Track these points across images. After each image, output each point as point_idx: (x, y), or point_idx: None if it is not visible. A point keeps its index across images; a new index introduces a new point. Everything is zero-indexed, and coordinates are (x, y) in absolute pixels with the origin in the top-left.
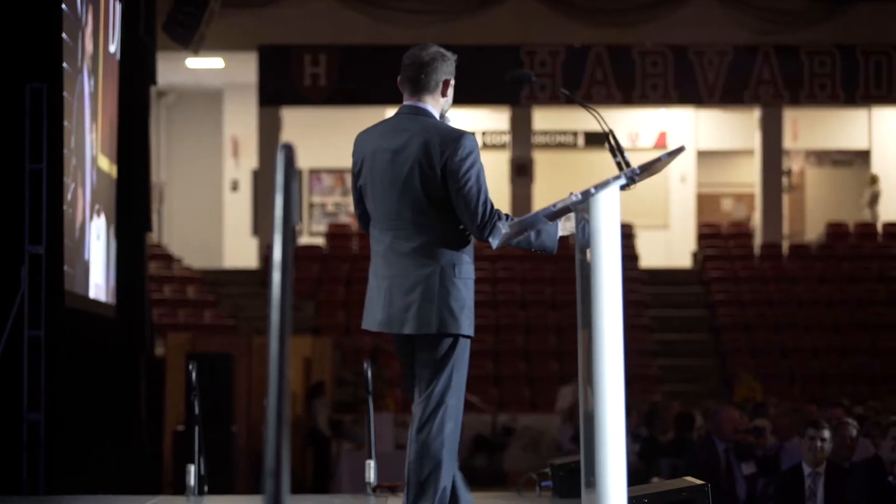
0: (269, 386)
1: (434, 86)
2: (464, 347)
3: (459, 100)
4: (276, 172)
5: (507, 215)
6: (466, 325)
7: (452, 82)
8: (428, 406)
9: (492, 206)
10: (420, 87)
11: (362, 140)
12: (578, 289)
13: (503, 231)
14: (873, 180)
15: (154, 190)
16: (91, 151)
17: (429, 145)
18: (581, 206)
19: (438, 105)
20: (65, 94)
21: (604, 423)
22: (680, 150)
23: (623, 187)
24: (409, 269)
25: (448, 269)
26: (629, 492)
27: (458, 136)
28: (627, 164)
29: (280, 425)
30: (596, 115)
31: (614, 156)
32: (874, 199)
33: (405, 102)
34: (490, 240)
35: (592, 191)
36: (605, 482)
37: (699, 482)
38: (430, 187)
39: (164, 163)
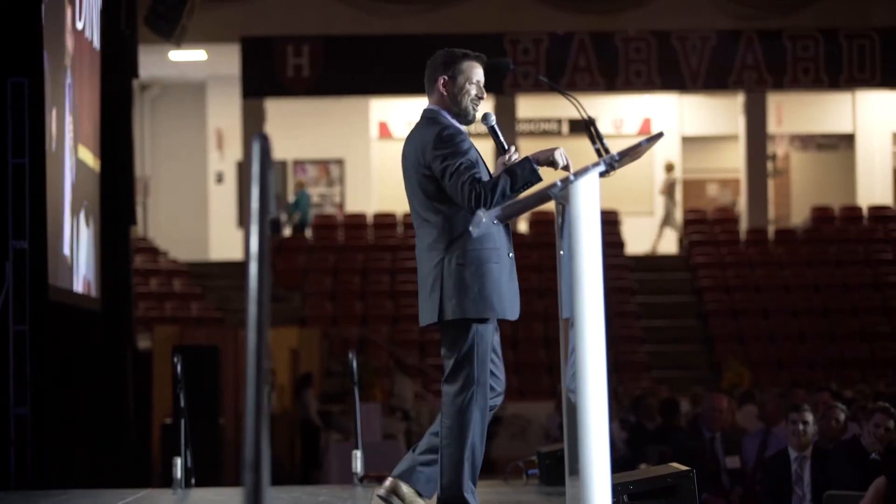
0: (247, 378)
1: (433, 86)
2: (477, 332)
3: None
4: (252, 163)
5: (497, 183)
6: (471, 308)
7: (458, 78)
8: (455, 392)
9: (475, 184)
10: (427, 90)
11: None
12: (559, 276)
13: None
14: (669, 168)
15: (139, 183)
16: (73, 145)
17: (417, 149)
18: (561, 194)
19: (445, 103)
20: (46, 88)
21: (587, 411)
22: (659, 135)
23: (603, 174)
24: (423, 263)
25: (451, 259)
26: (614, 478)
27: (433, 134)
28: (607, 151)
29: (259, 417)
30: (575, 102)
31: (594, 143)
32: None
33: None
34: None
35: (572, 178)
36: (589, 469)
37: (685, 468)
38: (426, 187)
39: (148, 156)
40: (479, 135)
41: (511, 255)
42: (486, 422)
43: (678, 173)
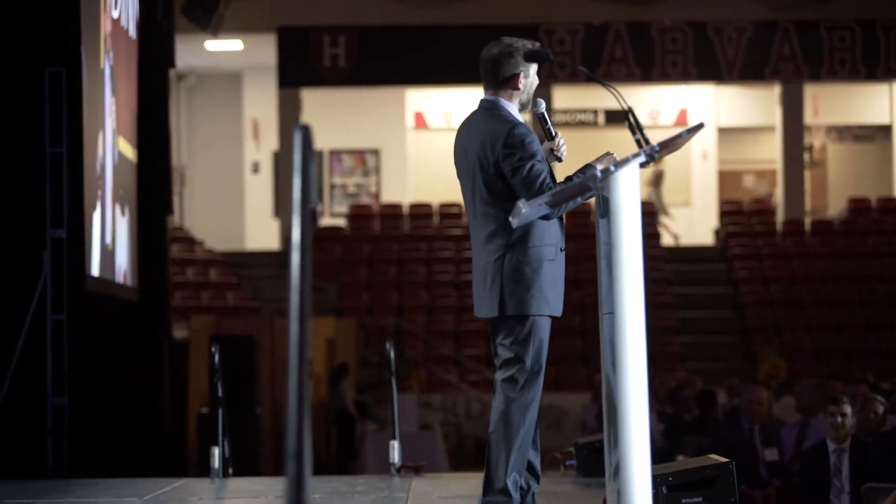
0: (289, 367)
1: (502, 81)
2: (534, 326)
3: (478, 80)
4: (294, 153)
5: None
6: (532, 305)
7: (529, 71)
8: (514, 384)
9: (540, 185)
10: (489, 83)
11: (457, 133)
12: (599, 268)
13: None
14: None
15: (175, 173)
16: (111, 135)
17: (485, 142)
18: (601, 185)
19: (511, 97)
20: (83, 77)
21: (627, 402)
22: (699, 126)
23: (643, 165)
24: (480, 255)
25: (513, 256)
26: (653, 470)
27: (504, 131)
28: (647, 142)
29: (301, 407)
30: (615, 92)
31: (633, 133)
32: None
33: (482, 97)
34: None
35: (612, 169)
36: (628, 461)
37: (724, 460)
38: (489, 181)
39: (184, 146)
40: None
41: (562, 249)
42: (536, 413)
43: (714, 164)
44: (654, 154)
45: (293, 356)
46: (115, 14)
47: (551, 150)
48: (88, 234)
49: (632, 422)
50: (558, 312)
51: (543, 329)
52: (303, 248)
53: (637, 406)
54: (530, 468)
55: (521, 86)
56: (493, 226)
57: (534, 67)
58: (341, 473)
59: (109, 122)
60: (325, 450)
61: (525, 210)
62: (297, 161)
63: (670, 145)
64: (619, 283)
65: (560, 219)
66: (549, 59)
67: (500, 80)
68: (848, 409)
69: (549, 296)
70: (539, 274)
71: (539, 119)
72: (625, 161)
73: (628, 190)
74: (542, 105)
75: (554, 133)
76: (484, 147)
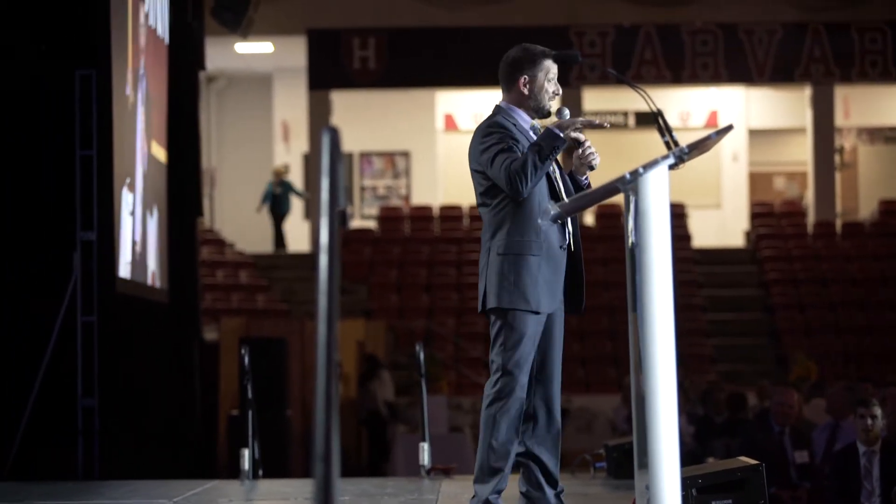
0: (317, 369)
1: (511, 84)
2: (507, 322)
3: None
4: (322, 156)
5: (526, 160)
6: (505, 298)
7: (539, 76)
8: (489, 381)
9: (508, 168)
10: (502, 86)
11: None
12: (629, 269)
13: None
14: None
15: (205, 175)
16: (141, 137)
17: (471, 144)
18: (630, 186)
19: (519, 102)
20: (113, 80)
21: (656, 405)
22: (728, 128)
23: (672, 167)
24: (481, 253)
25: (493, 249)
26: (683, 472)
27: (478, 129)
28: (676, 144)
29: (329, 409)
30: (644, 94)
31: (662, 135)
32: None
33: None
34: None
35: (641, 171)
36: (658, 463)
37: (754, 462)
38: (475, 181)
39: (214, 148)
40: None
41: (563, 246)
42: (517, 412)
43: (745, 166)
44: (683, 156)
45: (321, 358)
46: (146, 16)
47: (580, 160)
48: (118, 237)
49: (661, 424)
50: (540, 308)
51: (520, 325)
52: (331, 250)
53: (666, 408)
54: (545, 472)
55: (526, 91)
56: (484, 223)
57: (545, 73)
58: (372, 475)
59: (139, 125)
60: (356, 451)
61: (554, 210)
62: (326, 163)
63: (700, 147)
64: (648, 285)
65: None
66: (578, 60)
67: (506, 84)
68: (878, 411)
69: (529, 291)
70: (517, 268)
71: None
72: (654, 163)
73: (657, 192)
74: (566, 112)
75: (581, 139)
76: (470, 148)
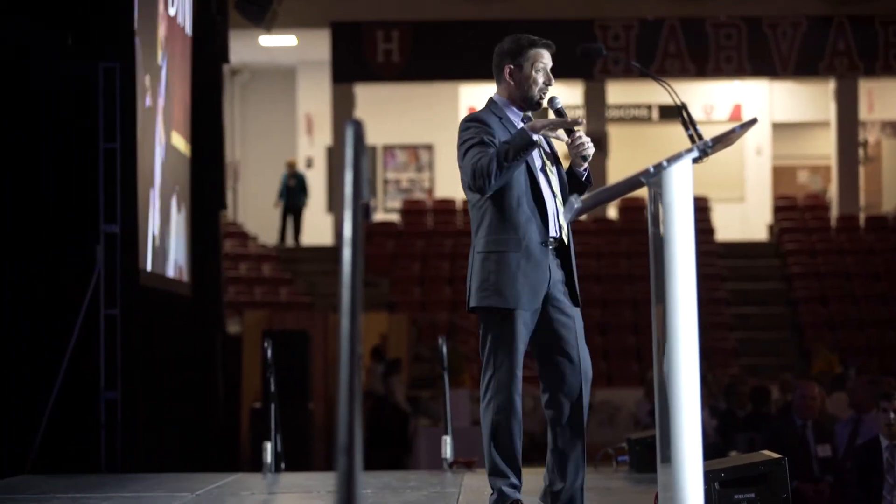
0: (339, 362)
1: (500, 75)
2: (497, 319)
3: None
4: (346, 148)
5: (491, 159)
6: (482, 297)
7: (524, 66)
8: (481, 380)
9: (474, 166)
10: (495, 77)
11: None
12: (652, 263)
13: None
14: None
15: (228, 168)
16: (164, 130)
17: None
18: (654, 180)
19: (510, 91)
20: (137, 73)
21: (679, 398)
22: (752, 122)
23: (696, 160)
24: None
25: (475, 247)
26: (705, 466)
27: (460, 123)
28: (700, 137)
29: (352, 402)
30: (668, 88)
31: (686, 129)
32: None
33: None
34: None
35: (665, 164)
36: (681, 457)
37: (776, 456)
38: (461, 178)
39: (238, 141)
40: None
41: (545, 242)
42: (508, 410)
43: (769, 159)
44: (707, 149)
45: (344, 351)
46: (170, 10)
47: (573, 151)
48: (142, 230)
49: (684, 417)
50: (519, 306)
51: (501, 323)
52: (354, 243)
53: (689, 401)
54: (562, 464)
55: (512, 81)
56: (471, 219)
57: (532, 62)
58: (394, 468)
59: (163, 118)
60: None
61: (577, 204)
62: (349, 156)
63: (724, 140)
64: (672, 278)
65: (542, 212)
66: (602, 53)
67: (496, 76)
68: None
69: (507, 288)
70: (496, 266)
71: (556, 115)
72: (678, 156)
73: (681, 185)
74: (558, 101)
75: (573, 128)
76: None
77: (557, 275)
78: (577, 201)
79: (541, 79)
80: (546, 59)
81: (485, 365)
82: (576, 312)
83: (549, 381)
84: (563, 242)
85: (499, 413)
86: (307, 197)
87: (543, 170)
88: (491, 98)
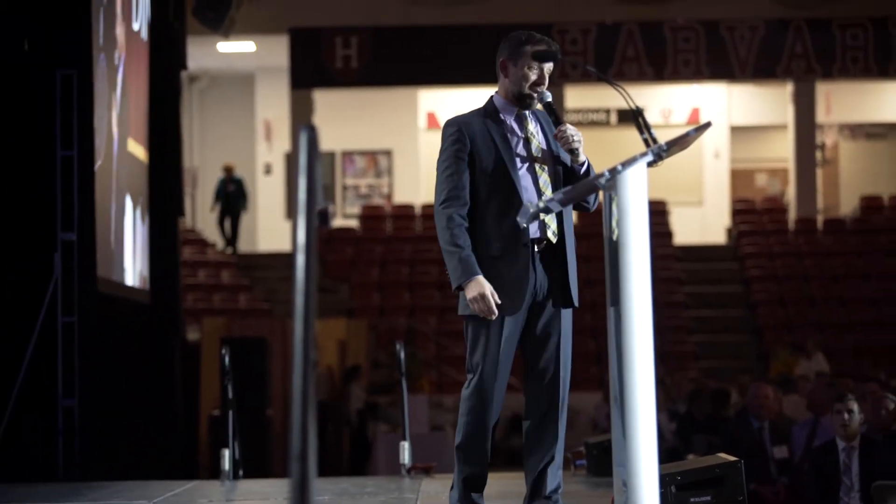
0: (293, 369)
1: (497, 70)
2: (467, 327)
3: (494, 79)
4: (299, 154)
5: (450, 233)
6: (461, 304)
7: (519, 60)
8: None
9: (440, 196)
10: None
11: None
12: (608, 266)
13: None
14: None
15: (187, 174)
16: (121, 137)
17: None
18: (609, 184)
19: (503, 87)
20: (95, 80)
21: (634, 401)
22: (707, 125)
23: (651, 164)
24: None
25: None
26: (662, 469)
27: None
28: (655, 141)
29: (306, 408)
30: (623, 92)
31: (641, 133)
32: None
33: None
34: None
35: (619, 168)
36: (636, 460)
37: (732, 458)
38: None
39: (196, 147)
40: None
41: (528, 243)
42: (485, 413)
43: (727, 163)
44: (661, 153)
45: (298, 357)
46: (127, 16)
47: (561, 144)
48: (101, 237)
49: (639, 421)
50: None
51: (481, 328)
52: (308, 249)
53: (645, 405)
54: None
55: (505, 76)
56: None
57: (525, 59)
58: (353, 475)
59: (120, 125)
60: (337, 451)
61: (532, 209)
62: (303, 162)
63: (679, 144)
64: (627, 281)
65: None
66: (558, 58)
67: (497, 70)
68: (854, 406)
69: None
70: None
71: (546, 108)
72: (632, 160)
73: (636, 189)
74: (548, 95)
75: (561, 121)
76: None
77: (544, 277)
78: (532, 205)
79: (533, 76)
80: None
81: (467, 368)
82: (563, 315)
83: (527, 388)
84: (551, 242)
85: (471, 415)
86: (247, 201)
87: (531, 168)
88: (490, 96)
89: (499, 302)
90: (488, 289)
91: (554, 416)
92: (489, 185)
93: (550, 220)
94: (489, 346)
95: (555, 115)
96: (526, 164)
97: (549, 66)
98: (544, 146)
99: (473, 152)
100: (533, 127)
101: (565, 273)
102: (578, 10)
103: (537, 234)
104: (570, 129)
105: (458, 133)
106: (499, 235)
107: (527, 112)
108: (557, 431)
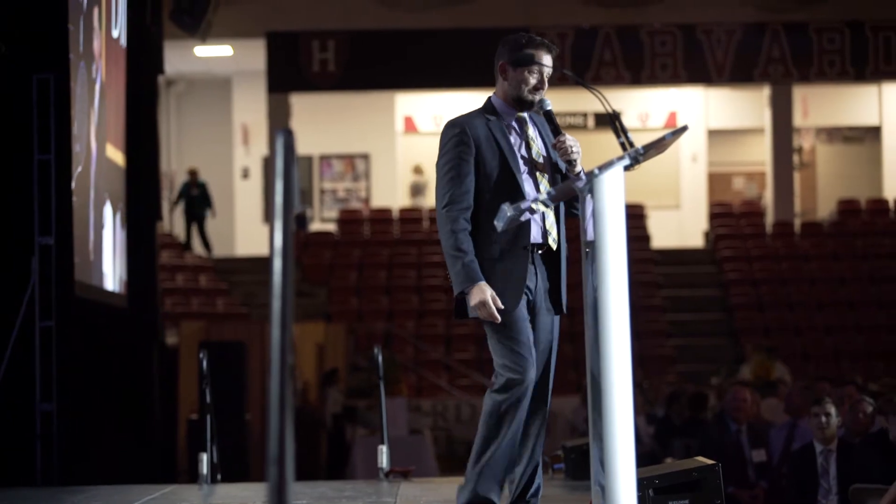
0: (271, 373)
1: (496, 72)
2: (487, 324)
3: (471, 83)
4: (276, 158)
5: (453, 237)
6: (468, 308)
7: (516, 65)
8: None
9: (449, 199)
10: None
11: None
12: (584, 270)
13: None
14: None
15: (164, 179)
16: (98, 141)
17: None
18: (585, 188)
19: (503, 89)
20: (72, 84)
21: (612, 405)
22: (683, 129)
23: (628, 167)
24: None
25: None
26: (640, 473)
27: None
28: (631, 145)
29: (283, 412)
30: (599, 96)
31: (618, 136)
32: None
33: None
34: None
35: (596, 172)
36: (614, 463)
37: (710, 462)
38: None
39: (174, 152)
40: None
41: (528, 246)
42: (516, 410)
43: (704, 166)
44: (638, 157)
45: (275, 361)
46: (104, 20)
47: (553, 147)
48: (79, 241)
49: (617, 424)
50: (504, 305)
51: (492, 327)
52: (284, 253)
53: (622, 408)
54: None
55: (504, 79)
56: None
57: (526, 62)
58: (331, 479)
59: (98, 129)
60: (316, 455)
61: (510, 213)
62: (279, 166)
63: (655, 148)
64: (604, 285)
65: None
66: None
67: (495, 73)
68: (832, 410)
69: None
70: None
71: (545, 116)
72: (609, 164)
73: (612, 193)
74: (548, 104)
75: (560, 131)
76: None
77: (542, 283)
78: (508, 209)
79: (533, 79)
80: (542, 60)
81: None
82: (554, 321)
83: None
84: (551, 249)
85: (498, 414)
86: (210, 207)
87: (532, 174)
88: (490, 96)
89: (500, 307)
90: (490, 295)
91: (540, 420)
92: (493, 188)
93: (552, 228)
94: (501, 341)
95: (554, 124)
96: (527, 169)
97: (548, 70)
98: (544, 152)
99: (478, 154)
100: (532, 132)
101: (559, 280)
102: (555, 14)
103: (539, 240)
104: (570, 140)
105: (462, 135)
106: (500, 238)
107: (525, 116)
108: (541, 435)
